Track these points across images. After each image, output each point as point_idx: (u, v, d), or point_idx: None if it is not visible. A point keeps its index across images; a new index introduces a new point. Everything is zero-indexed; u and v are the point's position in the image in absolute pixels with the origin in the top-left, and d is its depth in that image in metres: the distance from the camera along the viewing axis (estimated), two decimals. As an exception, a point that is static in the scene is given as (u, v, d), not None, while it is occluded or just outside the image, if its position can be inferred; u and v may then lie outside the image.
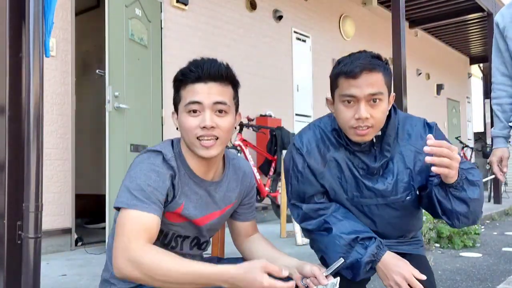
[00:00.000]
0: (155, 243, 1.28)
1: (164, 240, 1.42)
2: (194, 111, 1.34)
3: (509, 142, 2.21)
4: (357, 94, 1.39)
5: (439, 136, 1.50)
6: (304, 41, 7.01)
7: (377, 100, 1.41)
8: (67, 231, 3.89)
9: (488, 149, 9.26)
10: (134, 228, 1.24)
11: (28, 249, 1.75)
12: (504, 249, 4.63)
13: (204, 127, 1.33)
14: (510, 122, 2.16)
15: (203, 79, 1.37)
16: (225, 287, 1.20)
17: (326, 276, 1.32)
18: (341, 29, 7.84)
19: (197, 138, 1.34)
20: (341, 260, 1.33)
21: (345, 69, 1.41)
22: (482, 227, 6.04)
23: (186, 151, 1.41)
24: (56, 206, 3.82)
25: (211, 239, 1.64)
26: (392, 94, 1.49)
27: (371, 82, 1.39)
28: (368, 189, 1.50)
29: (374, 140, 1.49)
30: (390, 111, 1.50)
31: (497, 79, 2.18)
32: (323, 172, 1.52)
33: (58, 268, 3.21)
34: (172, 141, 1.44)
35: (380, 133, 1.49)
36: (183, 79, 1.39)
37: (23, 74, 1.82)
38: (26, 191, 1.78)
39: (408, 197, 1.50)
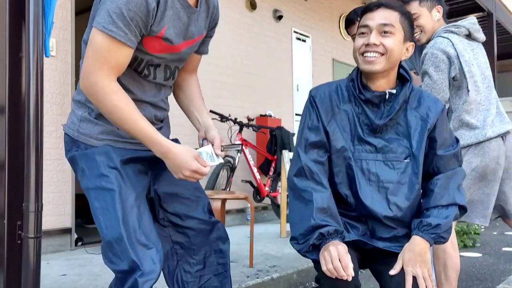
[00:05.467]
0: (127, 70, 1.38)
1: (138, 67, 1.43)
2: None
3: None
4: (370, 24, 1.56)
5: (443, 121, 1.63)
6: (304, 41, 7.01)
7: (388, 33, 1.55)
8: (67, 231, 3.89)
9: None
10: (108, 61, 1.29)
11: (28, 249, 1.76)
12: (504, 249, 4.63)
13: None
14: None
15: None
16: (156, 154, 1.37)
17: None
18: (341, 29, 7.84)
19: None
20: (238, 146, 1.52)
21: (366, 7, 1.60)
22: (482, 227, 6.04)
23: None
24: (56, 206, 3.82)
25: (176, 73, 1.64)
26: (411, 43, 1.62)
27: (385, 16, 1.55)
28: (369, 144, 1.58)
29: (387, 96, 1.58)
30: (409, 78, 1.62)
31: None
32: (331, 121, 1.60)
33: (58, 268, 3.21)
34: None
35: (394, 92, 1.59)
36: None
37: (23, 74, 1.82)
38: (26, 191, 1.78)
39: (406, 160, 1.57)
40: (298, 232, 1.54)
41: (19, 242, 1.79)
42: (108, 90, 1.30)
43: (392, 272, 1.50)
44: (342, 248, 1.45)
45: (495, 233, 5.70)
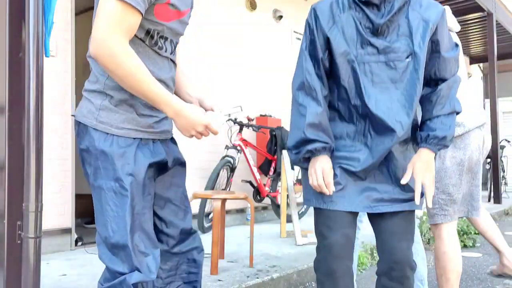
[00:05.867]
0: (143, 49, 1.43)
1: (152, 40, 1.46)
2: None
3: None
4: None
5: (444, 24, 1.66)
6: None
7: None
8: (67, 231, 3.89)
9: (488, 149, 9.25)
10: (121, 26, 1.31)
11: (28, 249, 1.76)
12: (504, 249, 4.62)
13: None
14: None
15: None
16: (169, 114, 1.39)
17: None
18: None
19: None
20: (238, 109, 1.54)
21: None
22: (482, 227, 6.04)
23: None
24: (56, 206, 3.82)
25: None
26: None
27: None
28: (371, 45, 1.62)
29: None
30: None
31: None
32: (332, 27, 1.65)
33: (58, 268, 3.21)
34: None
35: None
36: None
37: (23, 74, 1.82)
38: (26, 191, 1.78)
39: (407, 59, 1.60)
40: (291, 144, 1.69)
41: (19, 242, 1.79)
42: (126, 52, 1.32)
43: (403, 181, 1.62)
44: (326, 167, 1.63)
45: (495, 233, 5.70)
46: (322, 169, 1.63)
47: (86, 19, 5.75)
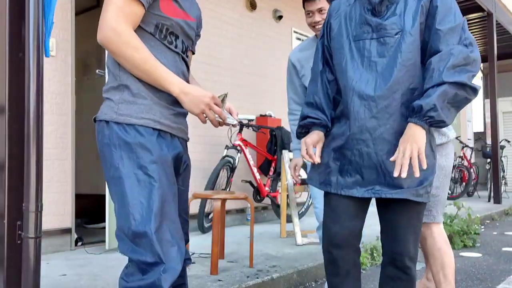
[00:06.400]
0: (154, 42, 1.51)
1: (161, 34, 1.53)
2: None
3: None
4: None
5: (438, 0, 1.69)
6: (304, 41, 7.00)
7: None
8: (67, 231, 3.89)
9: (488, 149, 9.27)
10: (128, 16, 1.42)
11: (28, 249, 1.76)
12: (504, 249, 4.63)
13: None
14: None
15: None
16: (175, 92, 1.45)
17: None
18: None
19: None
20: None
21: None
22: (482, 227, 6.04)
23: None
24: (56, 206, 3.82)
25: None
26: None
27: None
28: (367, 23, 1.74)
29: None
30: None
31: (292, 106, 2.73)
32: (337, 13, 1.85)
33: (58, 268, 3.21)
34: None
35: None
36: None
37: (23, 74, 1.82)
38: (26, 191, 1.78)
39: (396, 35, 1.69)
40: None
41: (19, 242, 1.79)
42: (133, 35, 1.42)
43: (392, 158, 1.62)
44: (313, 140, 1.81)
45: (495, 233, 5.70)
46: (311, 140, 1.81)
47: (86, 19, 5.75)
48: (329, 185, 1.79)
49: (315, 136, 1.82)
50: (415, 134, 1.59)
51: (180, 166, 1.61)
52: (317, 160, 1.79)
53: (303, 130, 1.91)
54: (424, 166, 1.60)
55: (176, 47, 1.58)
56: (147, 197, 1.40)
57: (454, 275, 2.32)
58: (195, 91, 1.47)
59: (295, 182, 2.69)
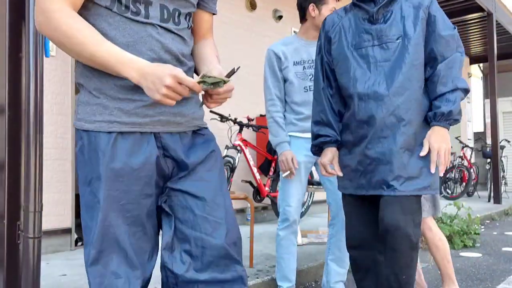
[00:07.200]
0: (112, 16, 1.20)
1: (120, 6, 1.20)
2: None
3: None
4: None
5: (437, 8, 1.83)
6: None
7: None
8: (67, 231, 3.89)
9: (488, 149, 9.26)
10: None
11: (28, 249, 1.76)
12: (504, 249, 4.63)
13: None
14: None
15: None
16: (133, 77, 1.14)
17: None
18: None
19: None
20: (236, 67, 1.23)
21: None
22: (482, 227, 6.04)
23: None
24: (56, 206, 3.82)
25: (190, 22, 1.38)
26: None
27: None
28: (367, 32, 1.84)
29: None
30: None
31: (274, 97, 2.70)
32: (335, 26, 1.93)
33: (58, 268, 3.21)
34: None
35: None
36: None
37: (23, 74, 1.82)
38: (26, 191, 1.78)
39: (398, 40, 1.80)
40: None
41: (19, 242, 1.79)
42: (66, 17, 1.14)
43: (422, 153, 1.77)
44: (329, 159, 1.95)
45: (495, 233, 5.70)
46: (321, 163, 1.99)
47: (86, 19, 5.74)
48: (363, 188, 1.86)
49: (329, 155, 1.97)
50: (444, 135, 1.79)
51: (171, 170, 1.29)
52: (340, 173, 1.94)
53: (316, 149, 2.04)
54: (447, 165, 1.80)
55: (147, 16, 1.22)
56: (90, 220, 1.20)
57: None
58: (156, 68, 1.13)
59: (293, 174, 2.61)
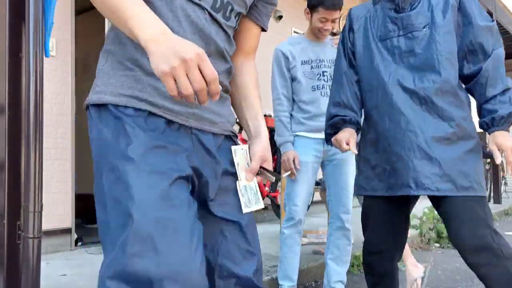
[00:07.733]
0: None
1: None
2: None
3: None
4: None
5: None
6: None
7: None
8: (67, 231, 3.89)
9: (488, 149, 9.25)
10: None
11: (28, 249, 1.76)
12: (504, 249, 4.62)
13: None
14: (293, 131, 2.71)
15: None
16: (142, 40, 0.90)
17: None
18: (341, 29, 7.83)
19: None
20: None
21: None
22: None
23: None
24: (56, 206, 3.82)
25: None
26: None
27: None
28: (392, 21, 1.77)
29: None
30: None
31: (281, 96, 2.83)
32: (360, 19, 1.89)
33: (58, 268, 3.21)
34: None
35: None
36: None
37: (23, 74, 1.82)
38: (26, 191, 1.78)
39: (424, 29, 1.70)
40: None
41: (19, 242, 1.79)
42: None
43: (497, 161, 1.69)
44: (345, 137, 1.80)
45: (495, 233, 5.69)
46: (335, 139, 1.84)
47: (86, 19, 5.75)
48: (396, 188, 1.73)
49: (346, 134, 1.81)
50: (508, 136, 1.70)
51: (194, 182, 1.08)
52: (355, 151, 1.77)
53: (332, 131, 1.88)
54: None
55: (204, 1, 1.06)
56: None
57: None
58: (178, 39, 0.90)
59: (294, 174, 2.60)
